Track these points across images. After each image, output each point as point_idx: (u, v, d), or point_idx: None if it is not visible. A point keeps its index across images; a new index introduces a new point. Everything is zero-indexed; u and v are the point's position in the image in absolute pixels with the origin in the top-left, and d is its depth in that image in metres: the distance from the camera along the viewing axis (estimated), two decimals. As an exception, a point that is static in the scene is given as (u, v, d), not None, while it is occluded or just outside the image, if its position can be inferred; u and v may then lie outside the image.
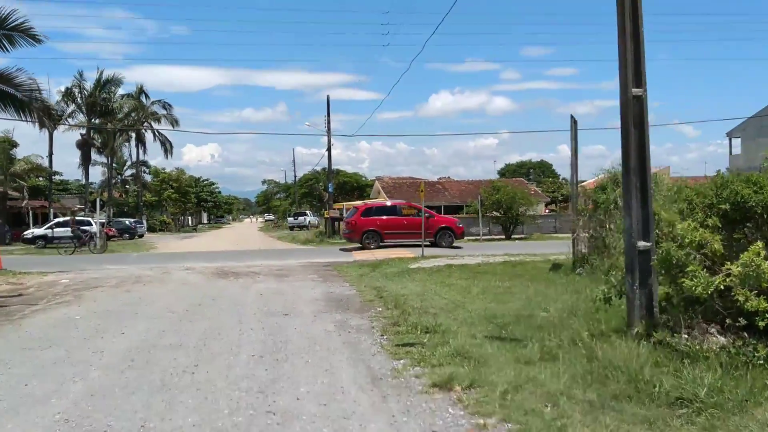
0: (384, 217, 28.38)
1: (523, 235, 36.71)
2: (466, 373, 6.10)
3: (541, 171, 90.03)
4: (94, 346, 8.11)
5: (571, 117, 15.75)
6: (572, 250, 15.23)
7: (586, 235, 15.01)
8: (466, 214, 37.69)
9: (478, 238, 33.94)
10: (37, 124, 15.29)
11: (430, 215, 28.24)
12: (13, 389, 6.15)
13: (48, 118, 37.07)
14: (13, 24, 11.87)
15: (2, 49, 12.40)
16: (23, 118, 13.09)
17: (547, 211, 57.03)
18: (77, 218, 39.73)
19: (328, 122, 38.64)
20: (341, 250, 28.35)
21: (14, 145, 51.49)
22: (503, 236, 35.71)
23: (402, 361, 6.89)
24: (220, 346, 7.99)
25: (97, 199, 34.12)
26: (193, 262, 22.06)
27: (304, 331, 8.99)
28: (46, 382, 6.40)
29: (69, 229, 37.15)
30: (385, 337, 8.32)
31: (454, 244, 27.90)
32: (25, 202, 38.66)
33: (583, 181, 24.53)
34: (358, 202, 58.02)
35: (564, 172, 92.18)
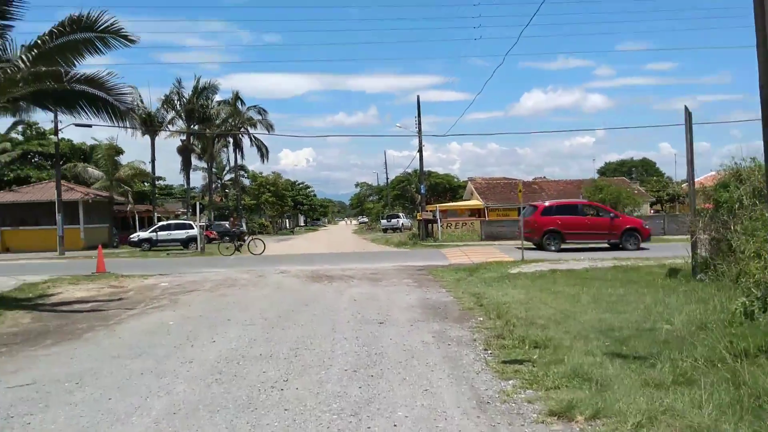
0: (565, 217, 26.40)
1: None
2: (587, 399, 5.27)
3: (643, 169, 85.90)
4: (184, 356, 7.80)
5: (685, 108, 14.35)
6: (691, 254, 13.87)
7: (707, 237, 13.63)
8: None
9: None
10: (136, 130, 15.36)
11: (614, 215, 26.65)
12: (96, 403, 5.84)
13: (149, 124, 38.44)
14: (104, 26, 11.89)
15: (97, 51, 12.46)
16: (118, 124, 13.16)
17: (652, 211, 54.13)
18: (177, 222, 41.02)
19: (419, 123, 38.09)
20: (437, 251, 27.66)
21: (119, 151, 53.98)
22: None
23: (511, 382, 6.13)
24: (312, 358, 7.49)
25: (197, 203, 34.96)
26: (289, 265, 21.99)
27: (400, 342, 8.37)
28: (130, 395, 6.07)
29: (171, 232, 38.51)
30: (489, 351, 7.57)
31: (641, 246, 25.62)
32: (130, 206, 40.25)
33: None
34: (464, 203, 57.38)
35: (668, 170, 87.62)
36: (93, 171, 37.94)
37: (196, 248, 32.16)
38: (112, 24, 12.29)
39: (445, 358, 7.37)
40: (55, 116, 31.51)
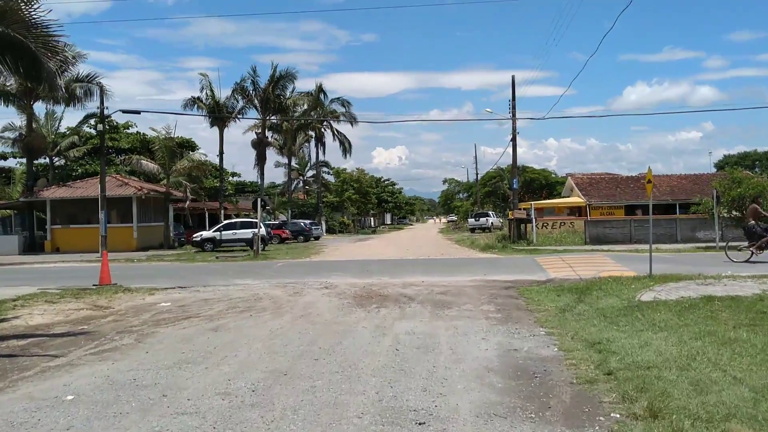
0: None
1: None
2: None
3: (768, 163, 76.07)
4: None
5: None
6: None
7: None
8: (693, 213, 29.81)
9: (712, 245, 26.14)
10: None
11: None
12: None
13: (217, 113, 35.06)
14: None
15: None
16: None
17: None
18: (243, 220, 37.54)
19: (513, 106, 32.68)
20: (531, 259, 22.44)
21: (191, 145, 51.37)
22: (748, 242, 27.37)
23: None
24: None
25: (258, 199, 31.22)
26: (341, 276, 17.55)
27: None
28: None
29: (236, 231, 35.01)
30: None
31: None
32: (188, 203, 37.06)
33: None
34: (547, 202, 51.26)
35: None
36: (147, 164, 34.88)
37: (256, 251, 28.22)
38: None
39: None
40: (101, 101, 28.53)
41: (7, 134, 41.04)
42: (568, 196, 50.25)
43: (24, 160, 40.08)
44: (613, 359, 6.97)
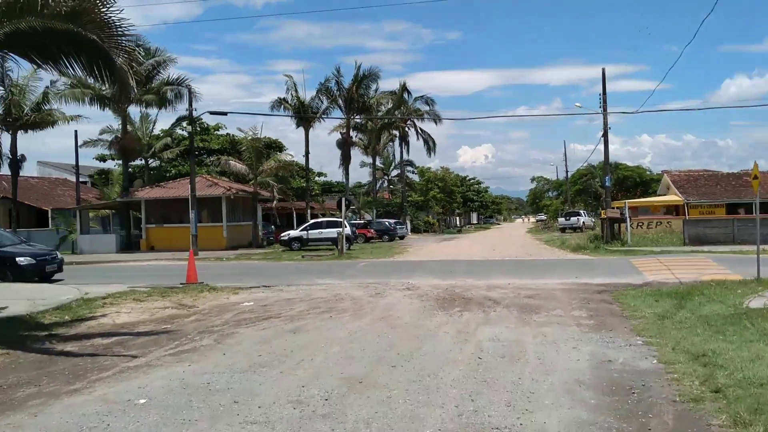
0: None
1: None
2: None
3: None
4: None
5: None
6: None
7: None
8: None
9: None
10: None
11: None
12: None
13: (302, 114, 35.43)
14: None
15: None
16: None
17: None
18: (329, 219, 37.76)
19: (604, 100, 31.23)
20: (626, 260, 21.31)
21: (278, 146, 52.20)
22: None
23: None
24: None
25: (342, 198, 31.25)
26: (423, 277, 17.15)
27: None
28: None
29: (322, 230, 35.24)
30: None
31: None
32: (275, 202, 37.60)
33: None
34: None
35: None
36: (235, 164, 35.60)
37: (340, 250, 28.23)
38: None
39: None
40: (190, 103, 29.31)
41: (104, 137, 43.02)
42: (664, 195, 47.82)
43: (120, 162, 41.79)
44: (720, 374, 6.26)
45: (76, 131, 42.67)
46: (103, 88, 36.24)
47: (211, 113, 31.36)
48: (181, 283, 16.00)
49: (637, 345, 8.04)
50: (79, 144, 42.53)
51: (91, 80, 9.58)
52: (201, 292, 14.49)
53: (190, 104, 29.59)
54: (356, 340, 8.74)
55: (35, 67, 10.53)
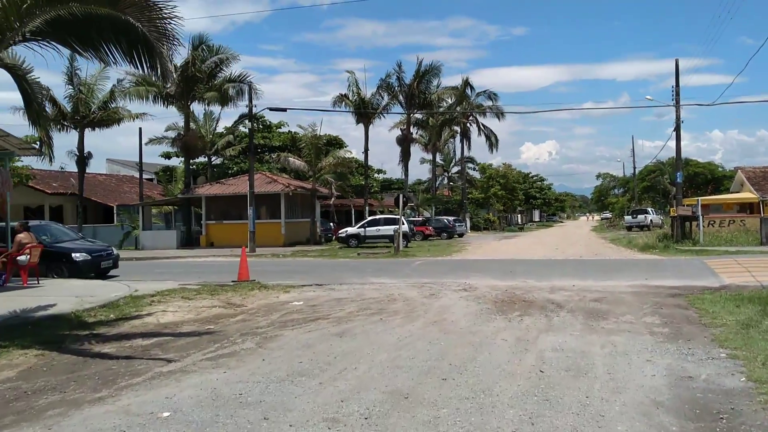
0: None
1: None
2: None
3: None
4: None
5: None
6: None
7: None
8: None
9: None
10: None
11: None
12: None
13: (362, 110, 35.00)
14: None
15: None
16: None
17: None
18: (387, 216, 37.27)
19: (677, 92, 29.62)
20: (700, 261, 19.97)
21: (341, 145, 52.07)
22: None
23: None
24: None
25: (399, 195, 30.65)
26: (481, 277, 16.39)
27: None
28: None
29: (380, 227, 34.79)
30: None
31: None
32: (333, 199, 37.32)
33: None
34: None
35: None
36: (294, 161, 35.42)
37: (396, 247, 27.66)
38: None
39: None
40: (250, 99, 29.13)
41: (169, 134, 43.72)
42: (738, 192, 45.34)
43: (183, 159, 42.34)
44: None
45: (140, 128, 43.45)
46: (167, 86, 37.08)
47: (271, 110, 31.15)
48: (232, 281, 15.71)
49: (721, 358, 7.14)
50: (144, 142, 43.46)
51: (131, 68, 9.09)
52: (251, 290, 14.13)
53: (250, 100, 29.53)
54: (405, 346, 8.11)
55: (75, 54, 10.28)
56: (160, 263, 24.89)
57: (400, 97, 47.82)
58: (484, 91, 60.91)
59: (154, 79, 36.31)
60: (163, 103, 36.39)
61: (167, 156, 52.30)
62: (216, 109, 42.81)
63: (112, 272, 18.72)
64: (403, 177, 51.63)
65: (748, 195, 41.11)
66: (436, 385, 6.20)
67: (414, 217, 54.07)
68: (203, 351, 8.17)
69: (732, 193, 47.22)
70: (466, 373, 6.66)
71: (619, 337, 8.43)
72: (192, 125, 43.40)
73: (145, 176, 58.25)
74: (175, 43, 8.37)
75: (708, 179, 66.76)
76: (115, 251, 19.56)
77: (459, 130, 62.71)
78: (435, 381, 6.38)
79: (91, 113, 36.16)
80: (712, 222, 35.34)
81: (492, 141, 62.90)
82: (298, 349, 8.14)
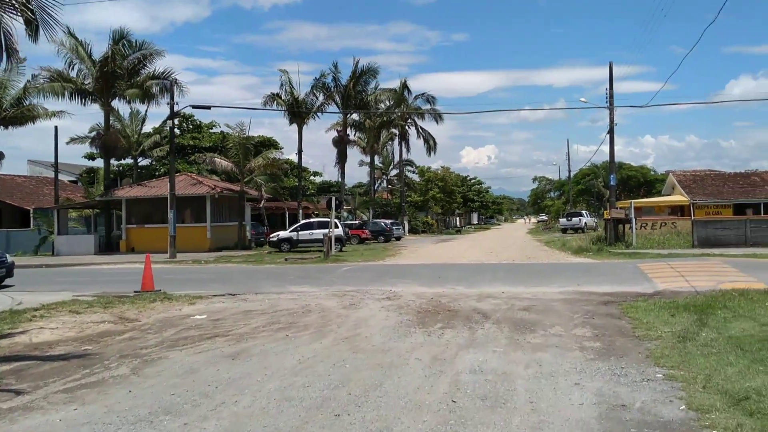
0: None
1: None
2: None
3: None
4: None
5: None
6: None
7: None
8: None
9: None
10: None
11: None
12: None
13: (295, 109, 33.69)
14: None
15: None
16: None
17: None
18: (320, 220, 36.04)
19: (611, 94, 29.45)
20: (633, 265, 19.53)
21: (276, 146, 50.60)
22: None
23: None
24: None
25: (332, 197, 29.54)
26: (409, 284, 15.46)
27: None
28: None
29: (313, 231, 33.52)
30: None
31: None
32: (263, 202, 35.87)
33: None
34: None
35: None
36: (221, 162, 33.81)
37: (326, 252, 26.39)
38: None
39: None
40: (171, 96, 27.67)
41: (93, 134, 41.36)
42: (669, 195, 46.04)
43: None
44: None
45: (56, 127, 40.82)
46: (85, 82, 34.96)
47: (194, 107, 29.65)
48: (135, 291, 14.27)
49: (657, 380, 6.31)
50: (65, 141, 40.98)
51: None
52: (152, 302, 12.75)
53: (171, 98, 27.85)
54: (304, 370, 7.02)
55: None
56: (69, 271, 23.03)
57: (337, 98, 46.67)
58: (422, 94, 60.43)
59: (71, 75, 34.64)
60: (81, 101, 34.22)
61: (91, 157, 49.72)
62: (142, 108, 40.78)
63: (7, 281, 16.98)
64: (340, 179, 50.48)
65: (679, 198, 41.68)
66: (326, 424, 5.13)
67: (351, 220, 53.01)
68: (65, 379, 6.89)
69: (664, 196, 47.95)
70: (365, 406, 5.61)
71: (546, 354, 7.55)
72: (117, 125, 41.28)
73: (68, 178, 55.46)
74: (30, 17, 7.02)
75: (640, 182, 68.06)
76: (10, 258, 17.79)
77: (397, 133, 62.02)
78: (326, 418, 5.30)
79: (3, 111, 33.72)
80: (645, 224, 35.53)
81: (430, 144, 62.47)
82: (178, 375, 6.95)
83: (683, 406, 5.42)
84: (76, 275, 20.84)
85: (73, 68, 34.24)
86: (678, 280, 15.00)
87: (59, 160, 41.19)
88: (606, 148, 30.65)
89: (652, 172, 71.06)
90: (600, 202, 66.78)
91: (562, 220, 58.23)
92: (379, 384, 6.35)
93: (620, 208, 34.44)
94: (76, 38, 33.58)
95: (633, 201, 35.23)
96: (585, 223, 54.15)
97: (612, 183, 32.08)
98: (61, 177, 46.81)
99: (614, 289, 13.77)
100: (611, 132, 30.09)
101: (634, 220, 30.88)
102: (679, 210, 41.02)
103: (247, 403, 5.79)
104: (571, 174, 75.99)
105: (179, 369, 7.26)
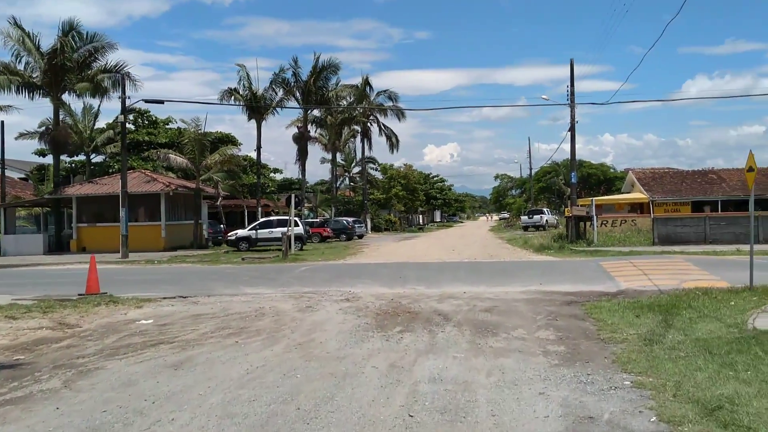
0: None
1: None
2: None
3: None
4: None
5: None
6: None
7: None
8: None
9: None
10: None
11: None
12: None
13: (254, 104, 32.96)
14: None
15: None
16: None
17: None
18: (280, 218, 35.34)
19: (572, 92, 29.42)
20: (595, 263, 19.41)
21: (235, 142, 49.61)
22: None
23: None
24: None
25: (292, 195, 28.90)
26: (368, 284, 15.02)
27: None
28: None
29: (273, 229, 32.79)
30: None
31: None
32: (220, 199, 34.97)
33: None
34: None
35: None
36: (176, 158, 32.81)
37: (284, 251, 25.69)
38: None
39: None
40: (123, 90, 26.69)
41: (43, 129, 39.86)
42: (629, 192, 46.50)
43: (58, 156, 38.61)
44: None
45: (2, 122, 39.19)
46: (33, 76, 33.63)
47: (146, 101, 28.62)
48: (79, 294, 13.52)
49: (625, 387, 5.97)
50: (14, 136, 39.47)
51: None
52: (96, 306, 12.06)
53: (123, 91, 26.82)
54: (251, 381, 6.50)
55: None
56: (13, 272, 21.95)
57: (297, 94, 45.94)
58: (385, 91, 60.09)
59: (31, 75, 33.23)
60: (29, 95, 32.88)
61: (41, 153, 47.95)
62: (95, 102, 39.44)
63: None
64: (301, 176, 49.72)
65: (639, 195, 42.11)
66: (268, 447, 4.64)
67: (313, 218, 52.32)
68: (-15, 395, 6.26)
69: (623, 193, 48.41)
70: (314, 423, 5.13)
71: (509, 360, 7.17)
72: (69, 120, 39.85)
73: (17, 175, 53.52)
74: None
75: (601, 180, 68.77)
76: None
77: (360, 130, 61.51)
78: (270, 438, 4.82)
79: (-55, 104, 32.26)
80: (605, 222, 35.69)
81: (393, 141, 62.12)
82: (114, 389, 6.38)
83: (654, 418, 5.08)
84: (19, 277, 19.86)
85: (20, 61, 32.88)
86: (641, 278, 14.84)
87: (7, 157, 39.68)
88: (567, 146, 30.82)
89: (611, 170, 71.91)
90: (561, 200, 67.26)
91: (524, 218, 58.44)
92: (331, 397, 5.87)
93: (581, 205, 34.54)
94: (22, 29, 32.21)
95: (594, 198, 35.39)
96: (546, 220, 54.41)
97: (573, 180, 32.09)
98: (9, 174, 45.13)
99: (577, 288, 13.53)
100: (572, 129, 30.08)
101: (595, 217, 30.96)
102: (638, 207, 41.41)
103: (185, 421, 5.27)
104: (533, 172, 76.46)
105: (116, 381, 6.68)
